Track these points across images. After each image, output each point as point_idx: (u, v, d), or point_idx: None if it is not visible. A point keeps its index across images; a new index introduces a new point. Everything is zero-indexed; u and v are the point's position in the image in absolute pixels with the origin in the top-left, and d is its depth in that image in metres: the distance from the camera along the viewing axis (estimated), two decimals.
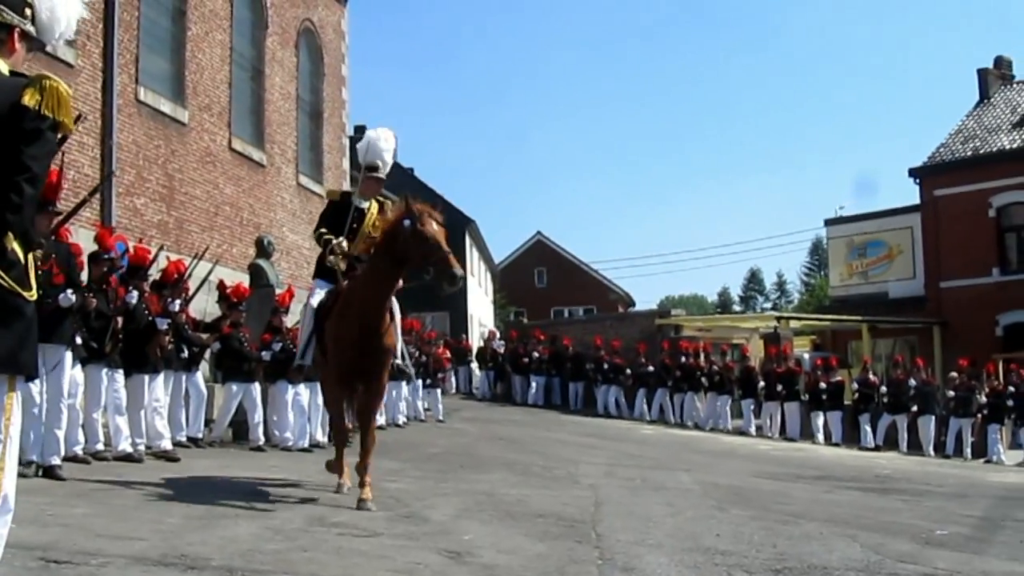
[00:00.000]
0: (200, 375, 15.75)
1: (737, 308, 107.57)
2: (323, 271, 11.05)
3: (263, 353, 16.37)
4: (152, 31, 20.91)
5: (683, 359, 29.77)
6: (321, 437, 17.19)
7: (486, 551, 8.56)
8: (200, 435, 15.48)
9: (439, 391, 26.35)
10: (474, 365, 35.18)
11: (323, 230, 10.88)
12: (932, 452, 26.45)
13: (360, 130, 45.89)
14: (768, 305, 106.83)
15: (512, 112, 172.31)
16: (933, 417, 27.01)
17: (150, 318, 13.41)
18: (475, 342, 39.09)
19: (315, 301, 10.83)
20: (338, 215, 11.25)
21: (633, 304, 68.79)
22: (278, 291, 18.15)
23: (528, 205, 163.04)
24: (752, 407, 28.81)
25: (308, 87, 28.20)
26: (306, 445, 16.52)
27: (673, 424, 28.79)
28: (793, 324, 38.68)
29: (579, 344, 32.65)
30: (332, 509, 10.48)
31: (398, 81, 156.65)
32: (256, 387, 16.28)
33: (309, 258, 26.37)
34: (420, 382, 24.80)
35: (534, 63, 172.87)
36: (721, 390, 28.93)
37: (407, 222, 10.03)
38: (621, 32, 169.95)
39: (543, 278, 69.42)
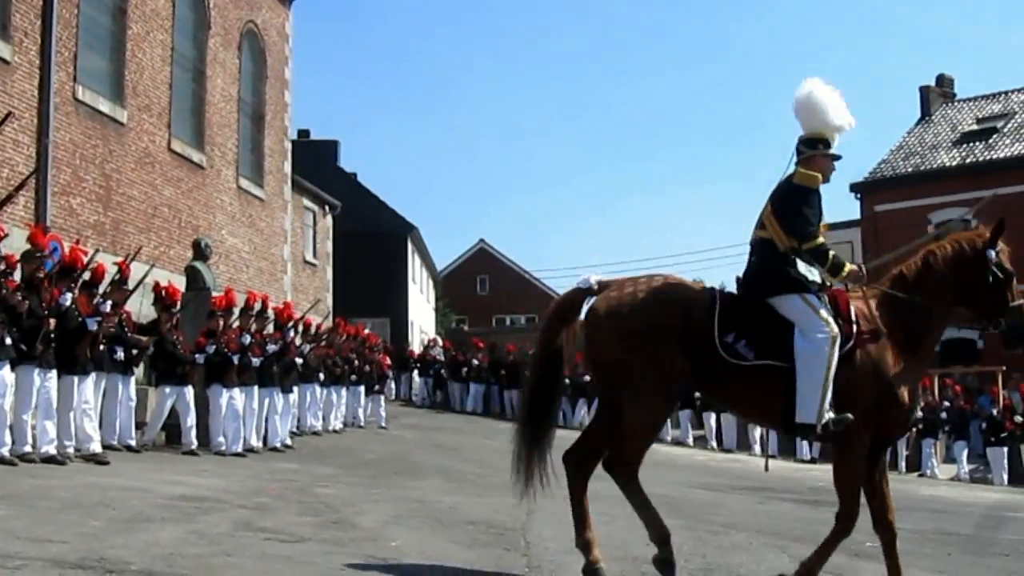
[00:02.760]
0: (133, 379, 15.58)
1: None
2: (795, 284, 7.48)
3: (197, 356, 16.22)
4: (91, 29, 20.67)
5: None
6: (255, 442, 17.08)
7: (413, 558, 8.51)
8: (132, 441, 15.27)
9: (382, 397, 26.28)
10: (415, 372, 35.08)
11: (821, 240, 7.49)
12: None
13: (303, 134, 45.99)
14: None
15: (457, 119, 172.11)
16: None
17: (80, 319, 13.25)
18: (416, 349, 38.92)
19: (823, 335, 7.19)
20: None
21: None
22: (215, 294, 18.01)
23: (471, 213, 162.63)
24: (690, 418, 28.87)
25: (250, 89, 27.99)
26: (240, 450, 16.39)
27: None
28: None
29: (520, 352, 32.63)
30: (259, 514, 10.38)
31: (342, 85, 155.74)
32: (189, 390, 16.12)
33: (248, 261, 26.23)
34: (361, 388, 24.72)
35: (479, 71, 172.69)
36: None
37: (992, 252, 7.92)
38: (567, 40, 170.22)
39: (485, 286, 69.33)
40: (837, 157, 7.93)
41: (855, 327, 7.32)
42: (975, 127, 40.36)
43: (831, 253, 7.44)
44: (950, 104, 43.55)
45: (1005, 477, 25.39)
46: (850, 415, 7.16)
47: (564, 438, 8.16)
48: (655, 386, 7.34)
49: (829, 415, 7.16)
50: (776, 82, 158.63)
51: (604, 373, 7.82)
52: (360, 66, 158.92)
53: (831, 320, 7.23)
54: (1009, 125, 39.15)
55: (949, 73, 45.58)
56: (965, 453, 26.65)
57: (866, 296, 7.60)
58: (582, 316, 7.74)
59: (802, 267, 7.52)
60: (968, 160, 38.16)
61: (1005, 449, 25.73)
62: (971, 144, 39.20)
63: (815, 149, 7.78)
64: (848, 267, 7.47)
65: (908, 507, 16.69)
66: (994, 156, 37.63)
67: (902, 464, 26.71)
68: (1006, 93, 42.37)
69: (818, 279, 7.55)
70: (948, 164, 38.58)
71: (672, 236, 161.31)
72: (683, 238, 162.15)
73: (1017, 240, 28.71)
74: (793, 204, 7.48)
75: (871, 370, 7.29)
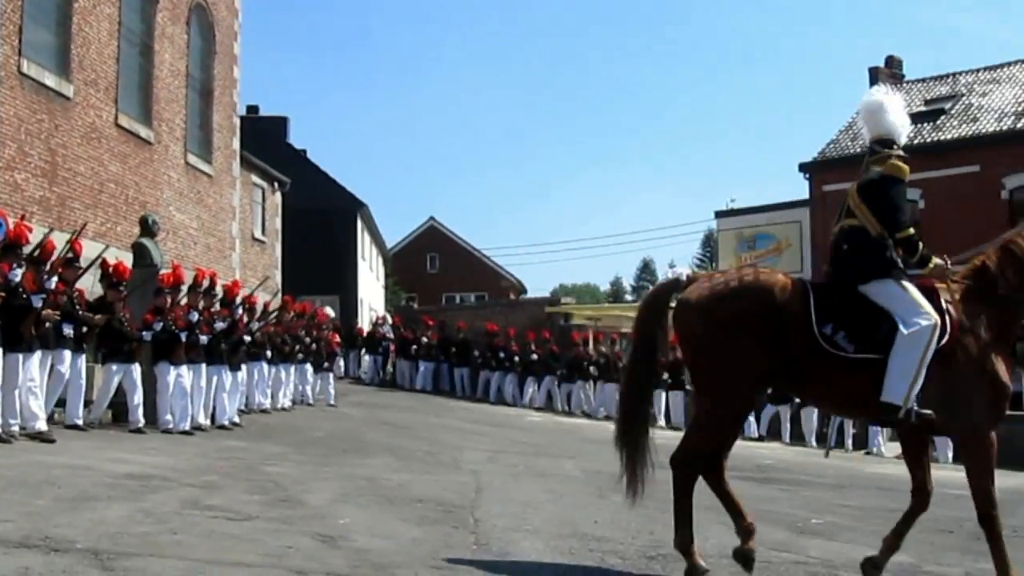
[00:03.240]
0: (83, 358, 15.44)
1: (629, 298, 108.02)
2: (889, 269, 7.60)
3: (144, 333, 16.10)
4: (37, 2, 20.37)
5: (572, 347, 29.91)
6: (203, 420, 17.00)
7: (361, 536, 8.50)
8: (79, 420, 15.12)
9: (331, 375, 26.22)
10: (364, 350, 34.96)
11: (913, 231, 7.70)
12: (815, 443, 26.80)
13: (252, 110, 45.68)
14: None
15: (409, 96, 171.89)
16: (816, 410, 27.38)
17: (24, 296, 13.11)
18: (365, 327, 38.82)
19: (926, 322, 7.22)
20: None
21: (525, 292, 68.93)
22: (162, 271, 17.87)
23: (422, 190, 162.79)
24: None
25: (199, 65, 27.75)
26: (187, 428, 16.30)
27: (561, 412, 28.88)
28: None
29: (469, 330, 32.62)
30: (207, 492, 10.34)
31: (292, 62, 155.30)
32: (136, 368, 15.99)
33: (196, 238, 26.05)
34: (310, 366, 24.65)
35: (431, 47, 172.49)
36: (609, 378, 29.05)
37: None
38: (518, 19, 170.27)
39: (435, 263, 69.30)
40: (906, 157, 8.01)
41: (949, 320, 7.33)
42: (923, 108, 40.61)
43: (921, 244, 7.61)
44: (899, 85, 43.75)
45: (949, 455, 25.64)
46: (932, 412, 7.20)
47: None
48: (731, 380, 7.40)
49: (914, 406, 7.16)
50: (727, 61, 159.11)
51: (693, 361, 7.78)
52: (310, 42, 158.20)
53: (930, 307, 7.27)
54: (957, 107, 39.45)
55: (898, 55, 46.02)
56: None
57: (950, 289, 7.63)
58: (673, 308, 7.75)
59: (894, 252, 7.63)
60: (916, 141, 38.36)
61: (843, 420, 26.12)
62: (919, 125, 39.40)
63: (891, 148, 7.93)
64: (935, 260, 7.64)
65: (855, 484, 16.87)
66: (942, 137, 37.91)
67: (849, 442, 26.91)
68: (954, 75, 42.69)
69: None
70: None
71: (624, 213, 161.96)
72: (636, 215, 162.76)
73: (963, 220, 29.22)
74: (884, 193, 7.67)
75: (978, 367, 7.30)
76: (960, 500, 15.29)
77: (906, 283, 7.41)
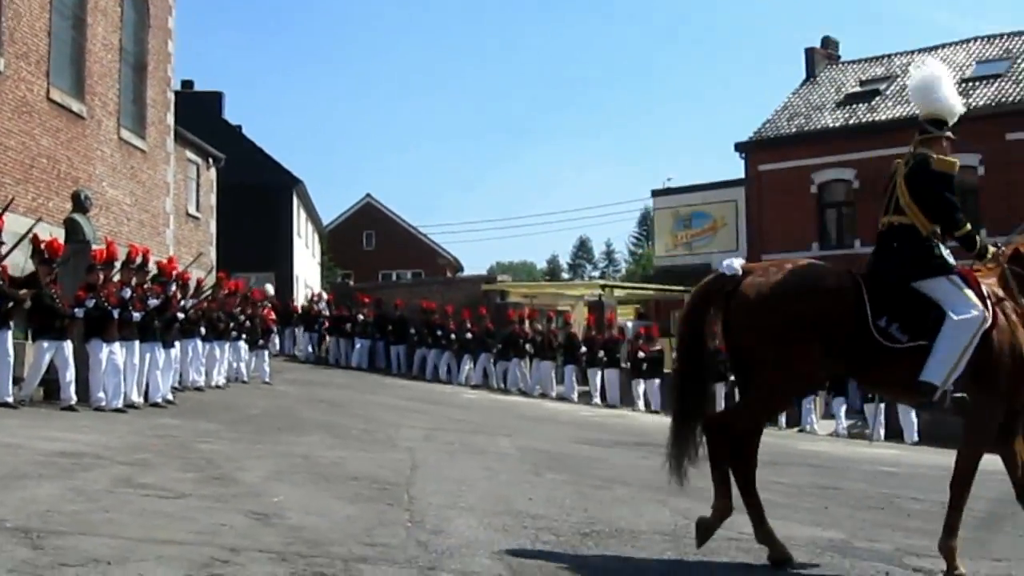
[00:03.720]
0: (10, 333, 15.25)
1: (566, 276, 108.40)
2: (941, 268, 7.62)
3: (76, 310, 15.94)
4: None
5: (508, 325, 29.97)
6: (136, 397, 16.88)
7: (294, 513, 8.49)
8: (8, 398, 14.94)
9: (266, 352, 26.11)
10: (300, 327, 34.81)
11: (970, 227, 7.72)
12: None
13: (187, 85, 45.24)
14: (596, 273, 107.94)
15: (347, 71, 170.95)
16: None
17: None
18: (301, 304, 38.64)
19: (976, 312, 7.38)
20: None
21: (461, 269, 68.94)
22: (94, 247, 17.68)
23: (358, 167, 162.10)
24: (575, 374, 29.04)
25: (132, 38, 27.38)
26: (120, 405, 16.17)
27: (496, 389, 28.94)
28: (618, 293, 39.28)
29: (405, 308, 32.56)
30: (139, 470, 10.28)
31: (228, 36, 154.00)
32: (68, 345, 15.82)
33: (129, 214, 25.79)
34: (244, 343, 24.52)
35: (369, 21, 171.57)
36: (545, 356, 29.14)
37: None
38: None
39: (371, 241, 69.01)
40: (953, 139, 8.05)
41: (989, 305, 7.46)
42: (858, 89, 40.94)
43: (978, 239, 7.69)
44: (834, 66, 44.17)
45: (882, 432, 25.93)
46: (967, 395, 7.38)
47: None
48: (794, 373, 7.55)
49: (950, 388, 7.32)
50: (665, 39, 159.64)
51: (748, 357, 7.73)
52: (246, 17, 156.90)
53: (978, 301, 7.39)
54: (891, 87, 39.75)
55: (834, 36, 46.34)
56: (843, 409, 27.11)
57: (987, 273, 7.80)
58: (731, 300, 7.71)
59: (943, 250, 7.65)
60: (851, 121, 38.72)
61: (882, 405, 26.26)
62: (854, 106, 39.77)
63: (940, 130, 7.95)
64: (991, 250, 7.77)
65: (788, 462, 17.02)
66: (877, 118, 38.21)
67: (782, 420, 27.14)
68: (889, 56, 43.02)
69: (953, 261, 7.69)
70: (831, 125, 39.13)
71: (562, 191, 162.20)
72: (573, 193, 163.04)
73: None
74: (936, 191, 7.64)
75: (1008, 347, 7.42)
76: (892, 477, 15.55)
77: (958, 280, 7.49)
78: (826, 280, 7.60)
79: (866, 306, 7.43)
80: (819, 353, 7.38)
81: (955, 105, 8.08)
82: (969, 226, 7.65)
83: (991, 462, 7.84)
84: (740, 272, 7.68)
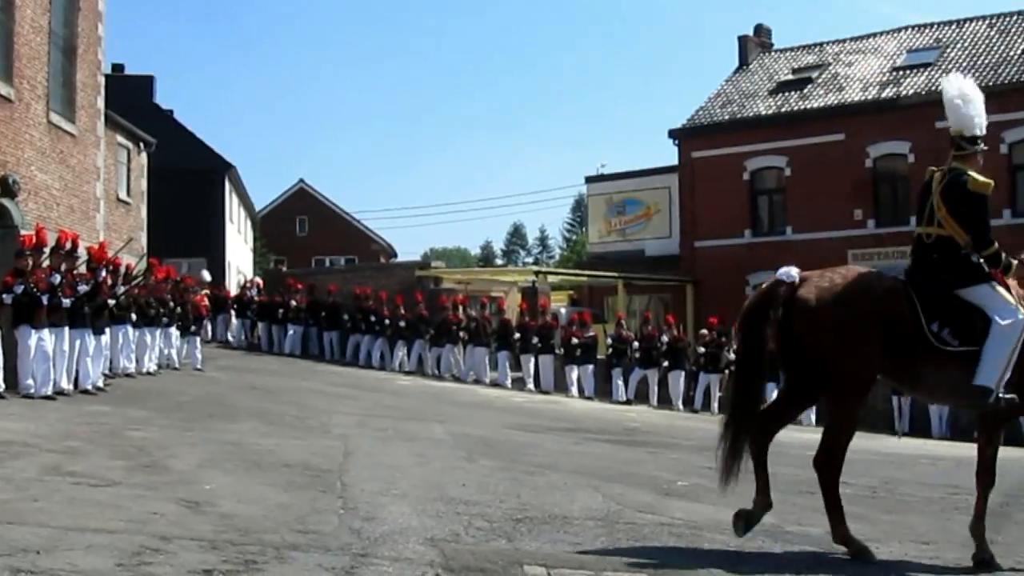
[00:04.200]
0: None
1: (500, 261, 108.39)
2: (981, 275, 8.03)
3: (4, 296, 15.73)
4: None
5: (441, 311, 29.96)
6: (66, 384, 16.70)
7: (226, 501, 8.45)
8: None
9: (197, 339, 25.91)
10: (232, 314, 34.56)
11: (997, 246, 8.03)
12: (681, 406, 27.23)
13: (118, 68, 44.71)
14: (530, 259, 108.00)
15: (279, 56, 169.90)
16: (683, 372, 27.80)
17: None
18: (233, 290, 38.36)
19: (1021, 315, 7.85)
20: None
21: (395, 255, 68.70)
22: (23, 232, 17.46)
23: (292, 152, 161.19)
24: (508, 360, 29.06)
25: (62, 20, 26.96)
26: (49, 392, 16.00)
27: (430, 376, 28.93)
28: (551, 279, 39.31)
29: (339, 294, 32.43)
30: (69, 458, 10.19)
31: (159, 18, 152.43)
32: None
33: (59, 199, 25.47)
34: (176, 330, 24.32)
35: (301, 8, 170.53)
36: (478, 342, 29.15)
37: None
38: None
39: (305, 226, 68.63)
40: (983, 152, 8.39)
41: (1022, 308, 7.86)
42: (791, 77, 41.21)
43: (1003, 255, 7.97)
44: (767, 54, 44.44)
45: (812, 417, 26.25)
46: (1016, 397, 7.75)
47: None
48: (858, 377, 7.87)
49: (1001, 391, 7.68)
50: (599, 26, 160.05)
51: (809, 362, 7.98)
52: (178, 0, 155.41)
53: (1019, 304, 7.83)
54: (823, 76, 40.08)
55: (767, 23, 46.63)
56: (776, 394, 27.30)
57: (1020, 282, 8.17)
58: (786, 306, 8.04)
59: (979, 259, 8.00)
60: (783, 109, 38.99)
61: (908, 398, 26.49)
62: (786, 93, 40.05)
63: (975, 146, 8.26)
64: (1014, 264, 8.04)
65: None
66: (808, 106, 38.51)
67: (715, 405, 27.30)
68: (821, 45, 43.32)
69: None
70: (764, 112, 39.38)
71: (496, 178, 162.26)
72: (507, 180, 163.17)
73: (828, 187, 29.63)
74: (973, 211, 8.01)
75: None
76: None
77: (997, 285, 7.88)
78: (884, 283, 8.04)
79: (919, 310, 7.81)
80: (879, 350, 7.75)
81: (977, 121, 8.38)
82: (996, 244, 7.98)
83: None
84: (797, 279, 8.00)
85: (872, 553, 7.82)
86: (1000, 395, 7.68)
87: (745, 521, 8.01)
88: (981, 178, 7.98)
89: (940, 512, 10.99)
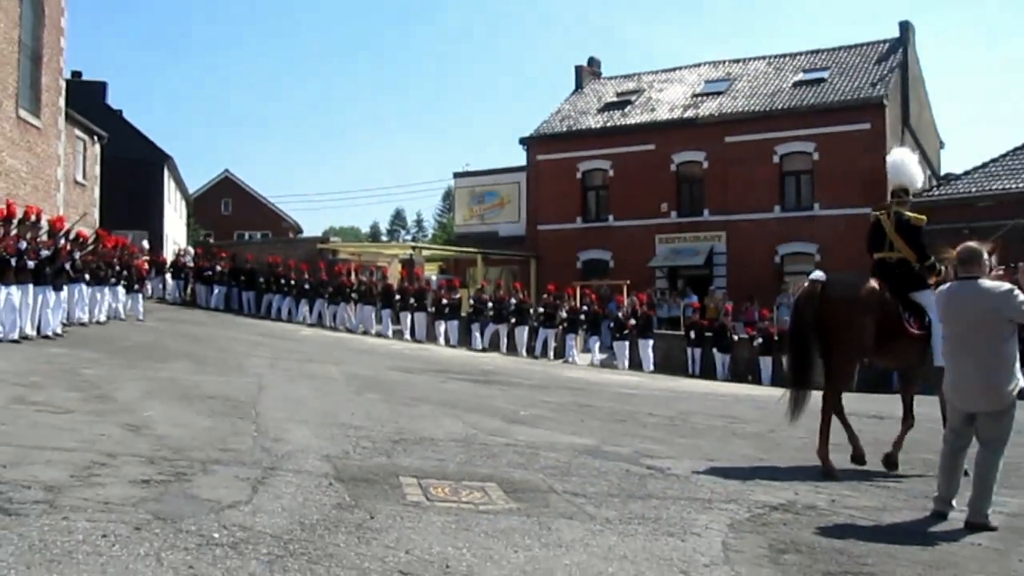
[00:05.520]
0: None
1: (384, 238, 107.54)
2: (925, 284, 9.44)
3: None
4: None
5: (338, 276, 29.72)
6: (30, 331, 16.25)
7: (162, 425, 8.32)
8: None
9: (140, 295, 25.27)
10: (168, 276, 33.80)
11: (933, 259, 9.48)
12: (525, 353, 27.41)
13: (76, 74, 43.36)
14: (409, 237, 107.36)
15: (210, 68, 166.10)
16: (527, 327, 27.98)
17: None
18: (169, 257, 37.50)
19: None
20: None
21: (301, 231, 67.75)
22: None
23: (220, 146, 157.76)
24: (390, 316, 28.95)
25: (30, 34, 25.96)
26: (15, 337, 15.55)
27: (328, 327, 28.66)
28: (426, 252, 39.26)
29: (255, 261, 31.94)
30: (31, 390, 9.93)
31: (112, 32, 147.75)
32: None
33: (25, 180, 24.70)
34: (122, 288, 23.72)
35: (234, 32, 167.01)
36: (367, 302, 28.98)
37: None
38: None
39: (228, 207, 67.45)
40: (914, 202, 10.03)
41: None
42: (615, 99, 41.46)
43: (937, 265, 9.33)
44: (597, 80, 44.68)
45: (626, 363, 26.63)
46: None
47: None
48: (858, 347, 9.08)
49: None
50: (468, 50, 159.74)
51: (831, 335, 8.99)
52: (129, 17, 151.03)
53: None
54: (640, 99, 40.42)
55: (598, 56, 47.04)
56: (597, 345, 27.71)
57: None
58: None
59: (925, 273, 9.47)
60: (608, 124, 39.23)
61: (626, 343, 26.95)
62: (611, 112, 40.29)
63: (908, 196, 9.79)
64: (940, 268, 9.29)
65: (555, 386, 17.34)
66: (627, 122, 38.81)
67: (551, 353, 27.61)
68: (639, 74, 43.73)
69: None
70: (594, 126, 39.58)
71: (383, 169, 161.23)
72: (392, 171, 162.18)
73: (643, 187, 29.84)
74: (914, 238, 9.47)
75: None
76: (633, 398, 15.92)
77: (931, 293, 8.84)
78: (875, 287, 9.15)
79: (899, 305, 9.12)
80: (873, 328, 8.93)
81: (916, 180, 10.13)
82: (932, 258, 9.36)
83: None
84: (824, 278, 9.20)
85: (837, 476, 8.52)
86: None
87: (887, 464, 9.06)
88: (915, 215, 9.48)
89: (721, 437, 11.25)
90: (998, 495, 6.86)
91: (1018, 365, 6.87)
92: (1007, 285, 7.04)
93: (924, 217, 9.67)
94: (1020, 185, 28.14)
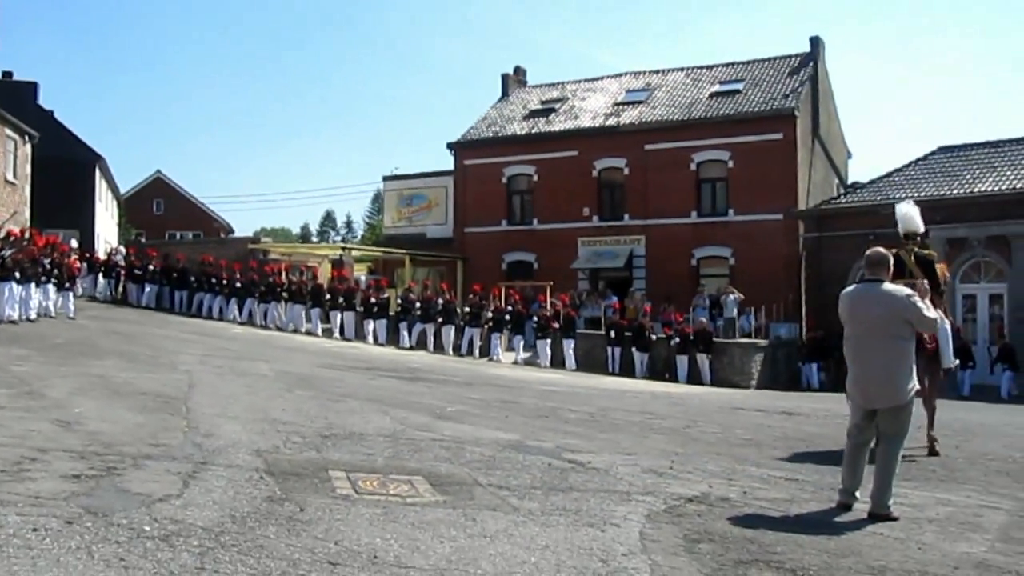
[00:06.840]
0: None
1: (315, 239, 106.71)
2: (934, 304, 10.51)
3: None
4: None
5: (269, 276, 29.41)
6: None
7: (93, 421, 8.17)
8: None
9: (71, 293, 24.74)
10: (100, 274, 33.13)
11: (943, 288, 11.84)
12: (451, 352, 27.38)
13: (7, 75, 42.41)
14: (339, 238, 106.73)
15: (143, 69, 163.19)
16: (453, 326, 27.95)
17: None
18: (101, 255, 36.78)
19: (947, 325, 10.93)
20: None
21: (232, 231, 66.90)
22: None
23: (151, 147, 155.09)
24: (319, 314, 28.74)
25: None
26: None
27: (258, 326, 28.36)
28: (355, 253, 39.08)
29: (187, 261, 31.47)
30: None
31: (44, 33, 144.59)
32: None
33: None
34: (52, 286, 23.21)
35: (165, 32, 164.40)
36: (297, 301, 28.73)
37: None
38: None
39: (160, 207, 66.35)
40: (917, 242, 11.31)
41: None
42: (540, 107, 41.63)
43: (941, 288, 11.15)
44: (523, 88, 44.82)
45: (548, 361, 26.75)
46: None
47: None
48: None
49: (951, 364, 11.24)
50: (399, 59, 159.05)
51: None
52: (60, 17, 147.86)
53: (943, 317, 10.36)
54: (564, 107, 40.61)
55: (524, 65, 47.17)
56: (521, 344, 27.79)
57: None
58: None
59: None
60: (533, 131, 39.36)
61: (548, 341, 27.09)
62: (536, 119, 40.44)
63: (915, 238, 11.13)
64: (943, 291, 11.20)
65: (480, 383, 17.36)
66: (552, 129, 38.97)
67: (476, 351, 27.62)
68: (563, 83, 43.93)
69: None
70: (519, 133, 39.68)
71: (312, 172, 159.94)
72: (322, 175, 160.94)
73: (565, 192, 30.01)
74: (930, 270, 10.89)
75: None
76: (556, 395, 15.98)
77: (938, 312, 9.40)
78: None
79: None
80: None
81: (921, 226, 11.26)
82: (943, 287, 11.23)
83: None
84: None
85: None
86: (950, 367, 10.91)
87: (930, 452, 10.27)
88: (929, 252, 11.13)
89: (639, 432, 11.36)
90: (900, 487, 7.03)
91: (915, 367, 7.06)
92: (907, 290, 7.21)
93: (935, 252, 11.71)
94: (920, 194, 28.79)
